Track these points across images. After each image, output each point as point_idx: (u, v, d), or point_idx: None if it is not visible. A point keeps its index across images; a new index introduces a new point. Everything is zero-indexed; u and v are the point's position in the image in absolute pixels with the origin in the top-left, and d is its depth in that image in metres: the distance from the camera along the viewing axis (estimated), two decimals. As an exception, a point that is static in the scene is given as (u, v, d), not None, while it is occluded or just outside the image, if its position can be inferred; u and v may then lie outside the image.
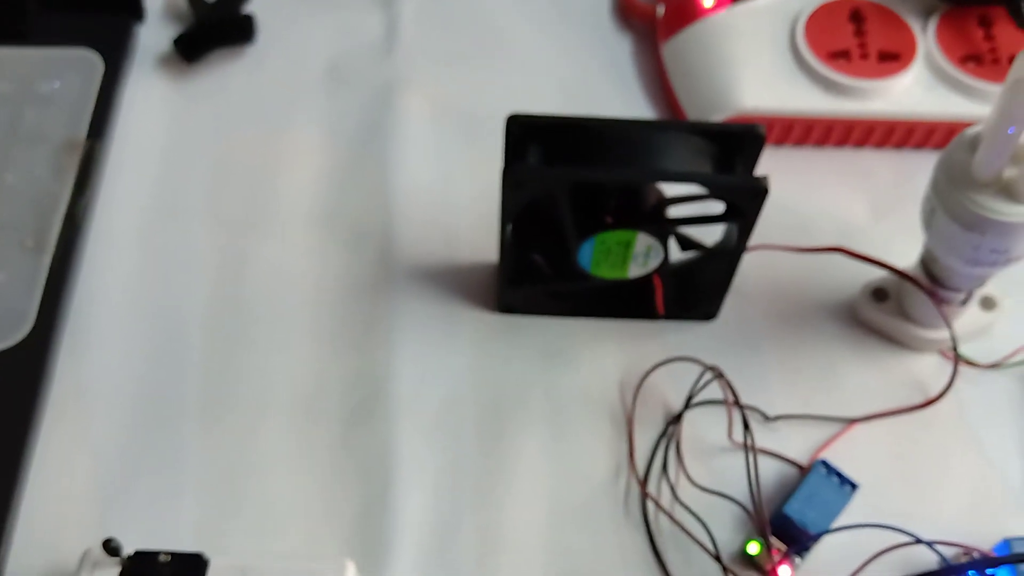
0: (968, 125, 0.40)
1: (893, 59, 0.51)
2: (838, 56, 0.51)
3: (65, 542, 0.40)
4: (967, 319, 0.45)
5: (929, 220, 0.41)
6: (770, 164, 0.42)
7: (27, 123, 0.50)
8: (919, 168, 0.42)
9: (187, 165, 0.51)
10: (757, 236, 0.42)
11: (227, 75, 0.54)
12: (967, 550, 0.39)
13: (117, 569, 0.36)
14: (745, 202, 0.40)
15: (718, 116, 0.51)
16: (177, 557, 0.36)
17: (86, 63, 0.52)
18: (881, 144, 0.52)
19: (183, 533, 0.41)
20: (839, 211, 0.50)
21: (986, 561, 0.38)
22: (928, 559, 0.39)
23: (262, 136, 0.52)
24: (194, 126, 0.52)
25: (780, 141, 0.52)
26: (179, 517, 0.41)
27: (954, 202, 0.39)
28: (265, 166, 0.51)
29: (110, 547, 0.35)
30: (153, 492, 0.41)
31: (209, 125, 0.52)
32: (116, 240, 0.48)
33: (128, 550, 0.36)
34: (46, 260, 0.46)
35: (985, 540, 0.40)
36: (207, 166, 0.51)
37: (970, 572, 0.38)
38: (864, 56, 0.51)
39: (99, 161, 0.49)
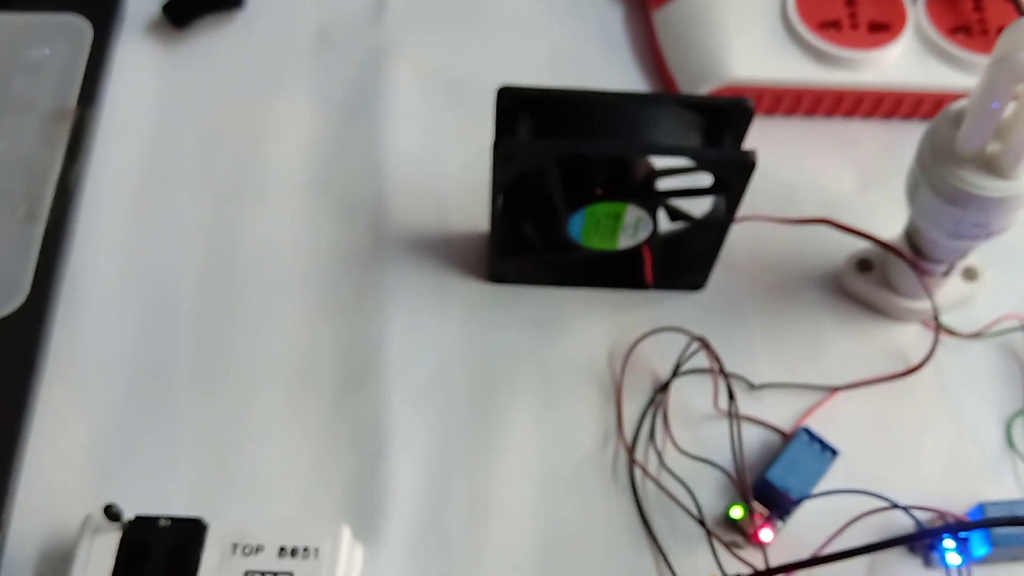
0: (956, 96, 0.42)
1: (883, 29, 0.53)
2: (828, 26, 0.53)
3: (64, 508, 0.42)
4: (949, 290, 0.48)
5: (913, 194, 0.43)
6: (759, 134, 0.44)
7: (15, 91, 0.51)
8: (907, 139, 0.44)
9: (177, 133, 0.53)
10: (745, 207, 0.44)
11: (216, 41, 0.56)
12: (942, 514, 0.42)
13: (118, 534, 0.38)
14: (733, 175, 0.42)
15: (708, 86, 0.53)
16: (177, 522, 0.38)
17: (75, 29, 0.53)
18: (870, 114, 0.54)
19: (180, 499, 0.43)
20: (827, 181, 0.52)
21: (960, 525, 0.41)
22: (904, 523, 0.42)
23: (251, 103, 0.54)
24: (184, 93, 0.54)
25: (770, 111, 0.54)
26: (176, 483, 0.43)
27: (937, 177, 0.41)
28: (255, 134, 0.53)
29: (111, 512, 0.37)
30: (150, 459, 0.44)
31: (198, 92, 0.54)
32: (108, 210, 0.50)
33: (127, 516, 0.39)
34: (39, 230, 0.47)
35: (960, 505, 0.43)
36: (197, 134, 0.53)
37: (944, 535, 0.41)
38: (854, 26, 0.53)
39: (90, 129, 0.51)
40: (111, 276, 0.48)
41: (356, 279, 0.49)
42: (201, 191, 0.51)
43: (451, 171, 0.52)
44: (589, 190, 0.43)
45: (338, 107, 0.53)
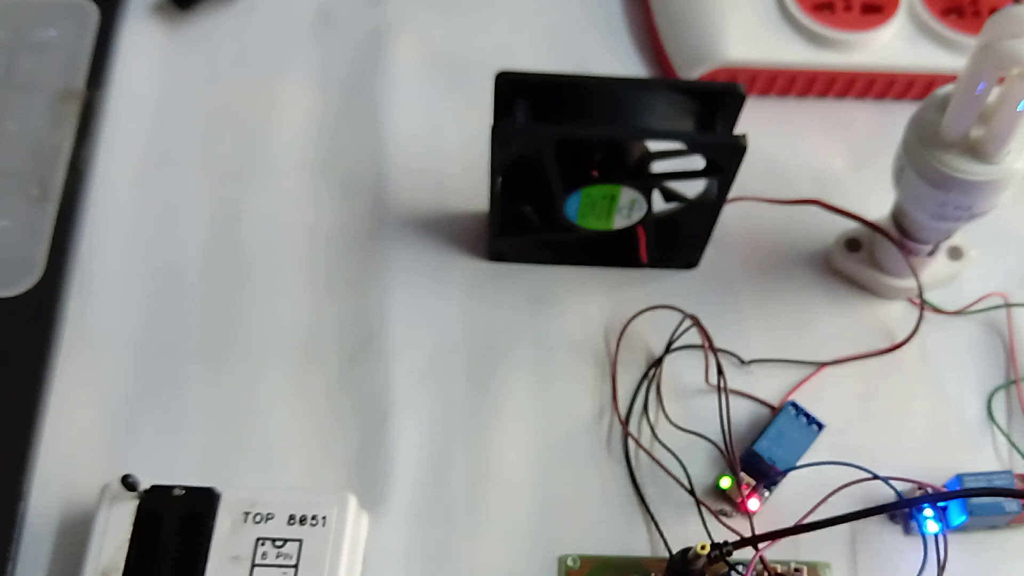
0: (948, 78, 0.44)
1: (876, 11, 0.55)
2: (822, 8, 0.55)
3: (81, 478, 0.44)
4: (935, 268, 0.50)
5: (899, 177, 0.45)
6: (753, 114, 0.46)
7: (23, 72, 0.53)
8: (898, 119, 0.45)
9: (182, 113, 0.54)
10: (738, 187, 0.46)
11: (219, 23, 0.57)
12: (921, 485, 0.44)
13: (135, 503, 0.40)
14: (724, 159, 0.44)
15: (703, 67, 0.55)
16: (191, 491, 0.41)
17: (81, 11, 0.55)
18: (862, 95, 0.56)
19: (191, 469, 0.45)
20: (818, 161, 0.55)
21: (938, 495, 0.44)
22: (886, 493, 0.44)
23: (254, 83, 0.55)
24: (188, 74, 0.56)
25: (764, 92, 0.56)
26: (187, 454, 0.45)
27: (922, 161, 0.43)
28: (257, 114, 0.55)
29: (128, 482, 0.40)
30: (162, 431, 0.46)
31: (202, 73, 0.56)
32: (117, 189, 0.52)
33: (143, 485, 0.41)
34: (52, 209, 0.49)
35: (940, 476, 0.45)
36: (201, 114, 0.54)
37: (924, 505, 0.43)
38: (848, 8, 0.55)
39: (98, 110, 0.53)
40: (121, 254, 0.50)
41: (359, 256, 0.51)
42: (206, 170, 0.53)
43: (450, 151, 0.54)
44: (585, 172, 0.45)
45: (339, 87, 0.55)
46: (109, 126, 0.53)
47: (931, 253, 0.48)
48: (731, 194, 0.46)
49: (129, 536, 0.39)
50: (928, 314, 0.49)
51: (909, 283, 0.49)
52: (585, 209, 0.47)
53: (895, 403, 0.48)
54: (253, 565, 0.39)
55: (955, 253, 0.50)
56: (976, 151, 0.42)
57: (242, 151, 0.53)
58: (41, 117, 0.52)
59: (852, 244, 0.51)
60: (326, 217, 0.52)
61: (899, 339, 0.49)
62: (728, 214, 0.49)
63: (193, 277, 0.50)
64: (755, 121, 0.46)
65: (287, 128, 0.54)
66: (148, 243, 0.51)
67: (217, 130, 0.54)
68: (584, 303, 0.50)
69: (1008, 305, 0.50)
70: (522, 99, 0.45)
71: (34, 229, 0.49)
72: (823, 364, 0.48)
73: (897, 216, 0.48)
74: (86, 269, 0.49)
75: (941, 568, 0.42)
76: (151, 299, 0.49)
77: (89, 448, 0.45)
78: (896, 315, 0.50)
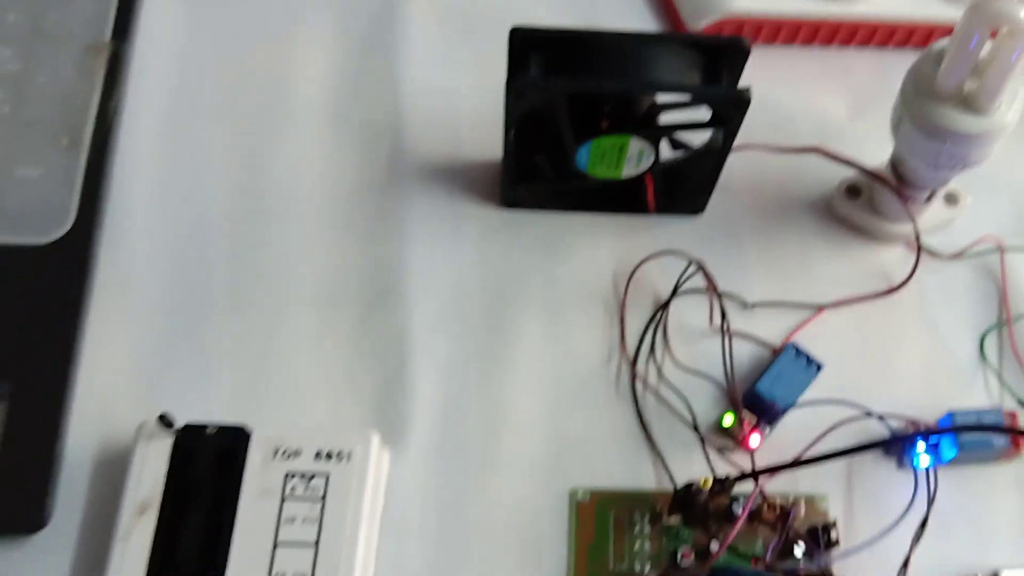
0: (946, 28, 0.45)
1: (878, -38, 0.56)
2: (826, -42, 0.56)
3: (116, 417, 0.46)
4: (932, 213, 0.52)
5: (896, 127, 0.47)
6: (758, 63, 0.47)
7: (50, 24, 0.55)
8: (898, 67, 0.47)
9: (205, 66, 0.56)
10: (743, 135, 0.47)
11: (240, -25, 0.59)
12: (914, 422, 0.47)
13: (170, 440, 0.43)
14: (729, 111, 0.46)
15: (710, 17, 0.56)
16: (223, 429, 0.43)
17: (106, -36, 0.57)
18: (864, 44, 0.58)
19: (222, 408, 0.47)
20: (820, 110, 0.56)
21: (929, 431, 0.46)
22: (880, 430, 0.47)
23: (275, 36, 0.57)
24: (210, 27, 0.57)
25: (769, 41, 0.57)
26: (217, 394, 0.48)
27: (918, 112, 0.45)
28: (278, 66, 0.56)
29: (164, 420, 0.42)
30: (192, 371, 0.48)
31: (224, 26, 0.57)
32: (144, 140, 0.54)
33: (177, 423, 0.44)
34: (82, 158, 0.51)
35: (933, 413, 0.47)
36: (224, 67, 0.56)
37: (917, 439, 0.46)
38: (850, -41, 0.56)
39: (124, 62, 0.54)
40: (149, 202, 0.52)
41: (377, 205, 0.53)
42: (230, 121, 0.55)
43: (465, 103, 0.55)
44: (595, 124, 0.47)
45: (357, 41, 0.57)
46: (135, 78, 0.55)
47: (928, 200, 0.50)
48: (736, 142, 0.48)
49: (165, 471, 0.42)
50: (924, 258, 0.51)
51: (906, 228, 0.51)
52: (595, 159, 0.49)
53: (891, 344, 0.50)
54: (283, 498, 0.41)
55: (951, 199, 0.52)
56: (969, 104, 0.44)
57: (264, 103, 0.55)
58: (69, 69, 0.53)
59: (852, 191, 0.53)
60: (346, 167, 0.54)
61: (896, 282, 0.51)
62: (733, 162, 0.50)
63: (219, 224, 0.52)
64: (760, 70, 0.47)
65: (307, 80, 0.56)
66: (175, 191, 0.53)
67: (239, 82, 0.56)
68: (594, 249, 0.52)
69: (1001, 249, 0.51)
70: (535, 53, 0.46)
71: (65, 178, 0.51)
72: (823, 307, 0.50)
73: (895, 164, 0.50)
74: (116, 217, 0.51)
75: (931, 500, 0.44)
76: (179, 245, 0.51)
77: (123, 388, 0.48)
78: (894, 259, 0.52)
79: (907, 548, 0.43)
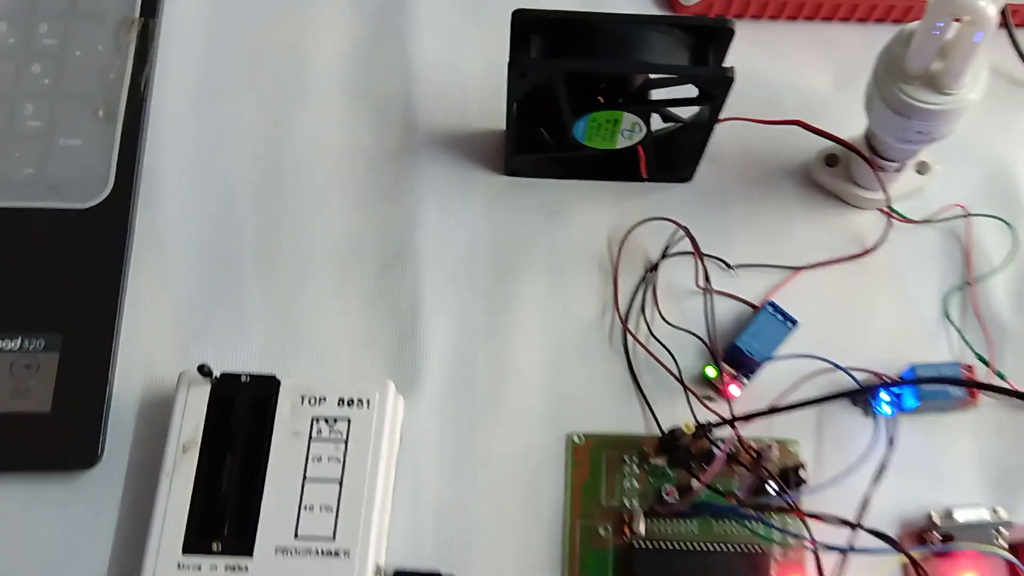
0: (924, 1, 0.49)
1: (860, -61, 0.60)
2: (811, -65, 0.60)
3: (157, 366, 0.52)
4: (904, 181, 0.56)
5: (869, 104, 0.51)
6: (746, 38, 0.50)
7: (86, 2, 0.59)
8: (879, 40, 0.50)
9: (229, 41, 0.60)
10: (729, 108, 0.51)
11: (259, -49, 0.63)
12: (879, 374, 0.52)
13: (208, 387, 0.48)
14: (714, 88, 0.50)
15: (699, -9, 0.61)
16: (255, 378, 0.48)
17: (134, -56, 0.61)
18: (847, 18, 0.62)
19: (250, 360, 0.52)
20: (805, 81, 0.60)
21: (894, 382, 0.51)
22: (849, 381, 0.51)
23: (293, 13, 0.61)
24: (231, 4, 0.61)
25: (756, 15, 0.61)
26: (246, 347, 0.53)
27: (888, 91, 0.49)
28: (297, 41, 0.61)
29: (203, 370, 0.47)
30: (224, 326, 0.53)
31: (245, 2, 0.61)
32: (174, 111, 0.58)
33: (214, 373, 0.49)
34: (117, 128, 0.56)
35: (898, 367, 0.52)
36: (247, 42, 0.60)
37: (881, 390, 0.51)
38: (834, -64, 0.60)
39: (153, 37, 0.59)
40: (181, 169, 0.57)
41: (391, 172, 0.57)
42: (253, 93, 0.59)
43: (471, 77, 0.59)
44: (592, 100, 0.51)
45: (371, 18, 0.61)
46: (163, 53, 0.59)
47: (899, 169, 0.55)
48: (723, 115, 0.52)
49: (205, 415, 0.47)
50: (896, 223, 0.56)
51: (880, 195, 0.55)
52: (591, 131, 0.53)
53: (862, 303, 0.55)
54: (310, 440, 0.47)
55: (923, 167, 0.57)
56: (935, 83, 0.48)
57: (284, 76, 0.60)
58: (104, 44, 0.58)
59: (830, 160, 0.57)
60: (361, 137, 0.58)
61: (869, 246, 0.55)
62: (720, 133, 0.54)
63: (245, 189, 0.56)
64: (748, 43, 0.51)
65: (324, 55, 0.60)
66: (204, 159, 0.57)
67: (261, 56, 0.60)
68: (590, 214, 0.56)
69: (967, 215, 0.56)
70: (536, 34, 0.50)
71: (103, 147, 0.56)
72: (800, 268, 0.55)
73: (868, 137, 0.54)
74: (150, 183, 0.56)
75: (891, 444, 0.49)
76: (209, 209, 0.56)
77: (162, 340, 0.53)
78: (867, 224, 0.56)
79: (868, 487, 0.48)
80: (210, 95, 0.59)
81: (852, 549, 0.47)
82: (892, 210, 0.56)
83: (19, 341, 0.51)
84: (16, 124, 0.56)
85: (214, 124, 0.58)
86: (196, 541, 0.45)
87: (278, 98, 0.59)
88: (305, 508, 0.45)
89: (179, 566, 0.44)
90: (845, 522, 0.47)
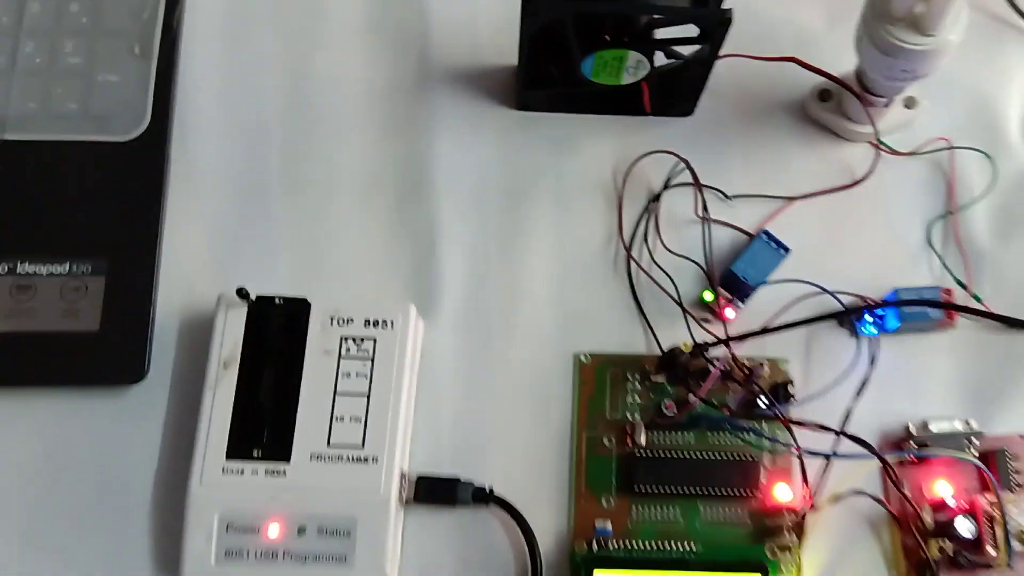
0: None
1: None
2: None
3: (195, 289, 0.56)
4: (893, 115, 0.60)
5: (858, 44, 0.55)
6: None
7: (120, -56, 0.62)
8: None
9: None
10: (729, 45, 0.55)
11: None
12: (864, 297, 0.56)
13: (245, 309, 0.52)
14: (713, 29, 0.54)
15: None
16: (288, 300, 0.52)
17: None
18: (842, -43, 0.65)
19: (280, 282, 0.56)
20: (800, 20, 0.63)
21: (876, 305, 0.55)
22: (835, 304, 0.55)
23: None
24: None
25: (757, -45, 0.65)
26: (277, 271, 0.57)
27: (875, 32, 0.52)
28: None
29: (241, 292, 0.51)
30: (257, 251, 0.57)
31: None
32: (204, 48, 0.62)
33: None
34: (152, 65, 0.59)
35: (882, 291, 0.56)
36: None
37: (865, 312, 0.55)
38: None
39: (183, -23, 0.62)
40: (212, 103, 0.61)
41: (409, 107, 0.61)
42: (277, 30, 0.63)
43: (485, 15, 0.63)
44: (599, 38, 0.55)
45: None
46: (193, -8, 0.63)
47: (887, 104, 0.58)
48: (722, 52, 0.55)
49: (243, 334, 0.52)
50: (884, 155, 0.59)
51: (870, 129, 0.59)
52: (598, 68, 0.56)
53: (850, 231, 0.58)
54: (340, 357, 0.51)
55: (910, 102, 0.60)
56: (918, 24, 0.52)
57: (307, 12, 0.63)
58: (137, -16, 0.62)
59: (823, 95, 0.61)
60: (379, 72, 0.62)
61: (858, 177, 0.59)
62: (719, 69, 0.57)
63: (273, 122, 0.60)
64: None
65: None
66: (233, 93, 0.61)
67: (283, -5, 0.63)
68: (597, 147, 0.60)
69: (951, 148, 0.60)
70: (548, -25, 0.54)
71: (139, 83, 0.59)
72: (793, 198, 0.59)
73: (858, 74, 0.57)
74: (184, 116, 0.60)
75: (873, 362, 0.54)
76: (240, 141, 0.60)
77: (199, 265, 0.57)
78: (858, 156, 0.60)
79: (850, 401, 0.53)
80: (237, 32, 0.62)
81: (835, 455, 0.52)
82: (881, 143, 0.59)
83: (68, 266, 0.55)
84: (58, 61, 0.59)
85: (241, 60, 0.62)
86: (238, 447, 0.50)
87: (301, 34, 0.63)
88: (336, 419, 0.50)
89: (223, 470, 0.49)
90: (828, 428, 0.52)
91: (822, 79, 0.60)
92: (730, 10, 0.52)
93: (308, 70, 0.62)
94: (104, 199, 0.57)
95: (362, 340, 0.52)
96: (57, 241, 0.56)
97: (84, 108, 0.58)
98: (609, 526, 0.52)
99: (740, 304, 0.56)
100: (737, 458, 0.53)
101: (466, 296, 0.57)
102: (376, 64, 0.62)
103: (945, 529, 0.50)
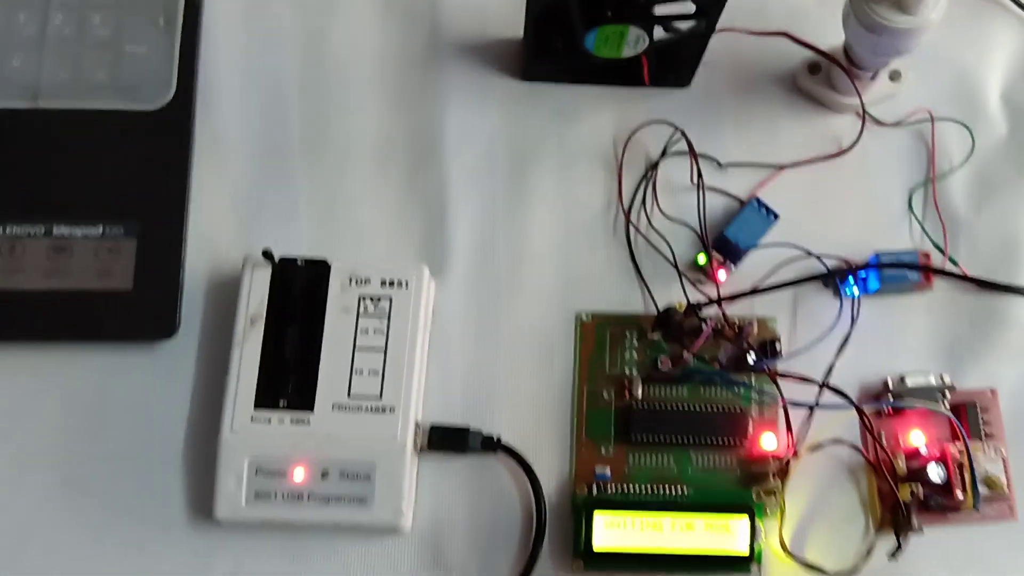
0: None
1: None
2: None
3: (220, 250, 0.60)
4: (879, 88, 0.63)
5: (845, 21, 0.58)
6: None
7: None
8: None
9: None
10: (723, 20, 0.58)
11: None
12: (847, 260, 0.59)
13: (269, 269, 0.56)
14: (709, 5, 0.58)
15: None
16: (309, 262, 0.56)
17: None
18: (834, -66, 0.68)
19: (300, 242, 0.60)
20: (793, -6, 0.67)
21: (859, 267, 0.59)
22: (820, 267, 0.59)
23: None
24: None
25: (751, -69, 0.68)
26: (297, 234, 0.60)
27: (860, 10, 0.56)
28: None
29: (266, 253, 0.55)
30: (278, 215, 0.61)
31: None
32: (225, 19, 0.65)
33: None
34: (177, 36, 0.63)
35: (864, 254, 0.59)
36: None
37: (848, 274, 0.59)
38: None
39: (204, -48, 0.65)
40: (234, 74, 0.64)
41: (419, 77, 0.64)
42: (295, 3, 0.66)
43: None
44: (601, 14, 0.58)
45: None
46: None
47: (873, 77, 0.62)
48: (717, 26, 0.59)
49: (267, 293, 0.56)
50: (870, 125, 0.63)
51: (856, 100, 0.62)
52: (601, 42, 0.60)
53: (836, 197, 0.62)
54: (358, 315, 0.55)
55: (895, 75, 0.64)
56: (901, 4, 0.55)
57: (321, -14, 0.66)
58: (161, -42, 0.65)
59: (813, 68, 0.64)
60: (392, 44, 0.65)
61: (845, 146, 0.63)
62: (714, 43, 0.60)
63: (292, 92, 0.64)
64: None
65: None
66: (253, 63, 0.64)
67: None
68: (598, 116, 0.63)
69: (933, 119, 0.63)
70: (554, -47, 0.57)
71: (165, 54, 0.62)
72: (783, 166, 0.62)
73: (846, 48, 0.61)
74: (207, 85, 0.63)
75: (854, 320, 0.58)
76: (260, 111, 0.63)
77: (224, 228, 0.60)
78: (845, 127, 0.63)
79: (833, 357, 0.58)
80: (257, 5, 0.66)
81: (817, 405, 0.56)
82: (867, 114, 0.63)
83: (101, 228, 0.59)
84: (87, 33, 0.63)
85: (261, 33, 0.65)
86: (265, 398, 0.54)
87: (317, 7, 0.66)
88: (356, 372, 0.54)
89: (252, 418, 0.54)
90: (811, 381, 0.56)
91: (811, 53, 0.63)
92: (726, -12, 0.56)
93: (324, 42, 0.65)
94: (133, 165, 0.60)
95: (379, 299, 0.56)
96: (90, 205, 0.59)
97: (113, 78, 0.62)
98: (608, 472, 0.56)
99: (732, 266, 0.60)
100: (727, 410, 0.57)
101: (475, 258, 0.60)
102: (389, 36, 0.65)
103: (918, 475, 0.55)
